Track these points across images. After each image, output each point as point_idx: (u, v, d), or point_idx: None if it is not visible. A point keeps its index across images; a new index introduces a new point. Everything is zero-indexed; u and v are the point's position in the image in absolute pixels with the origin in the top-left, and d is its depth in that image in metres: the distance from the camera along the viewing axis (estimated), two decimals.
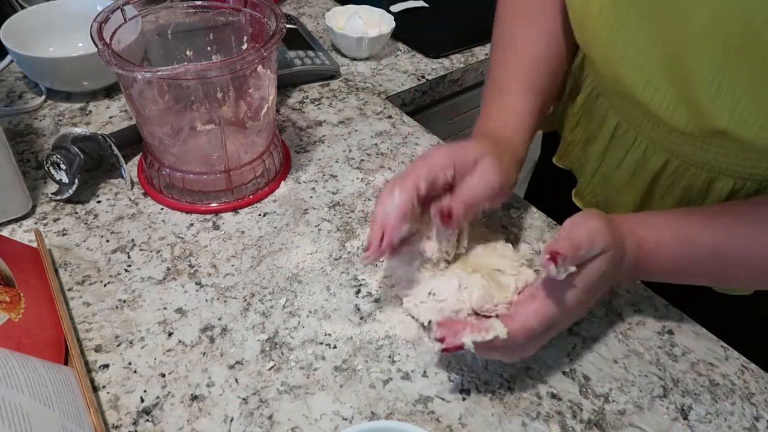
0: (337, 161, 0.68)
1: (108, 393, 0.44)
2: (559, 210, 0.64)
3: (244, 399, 0.44)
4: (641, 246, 0.46)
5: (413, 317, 0.50)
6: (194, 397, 0.44)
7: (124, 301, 0.51)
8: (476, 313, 0.45)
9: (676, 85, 0.46)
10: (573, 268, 0.40)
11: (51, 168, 0.58)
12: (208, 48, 0.63)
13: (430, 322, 0.47)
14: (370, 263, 0.49)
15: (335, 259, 0.56)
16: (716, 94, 0.43)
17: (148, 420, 0.43)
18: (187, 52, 0.63)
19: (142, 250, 0.55)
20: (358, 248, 0.57)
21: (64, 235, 0.56)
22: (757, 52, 0.40)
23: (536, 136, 0.60)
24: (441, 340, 0.42)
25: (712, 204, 0.53)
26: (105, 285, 0.52)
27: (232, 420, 0.43)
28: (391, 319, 0.50)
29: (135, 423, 0.42)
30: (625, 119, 0.56)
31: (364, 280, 0.54)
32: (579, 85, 0.64)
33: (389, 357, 0.48)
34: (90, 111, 0.72)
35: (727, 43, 0.41)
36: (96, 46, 0.50)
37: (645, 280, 0.55)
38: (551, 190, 0.69)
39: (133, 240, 0.56)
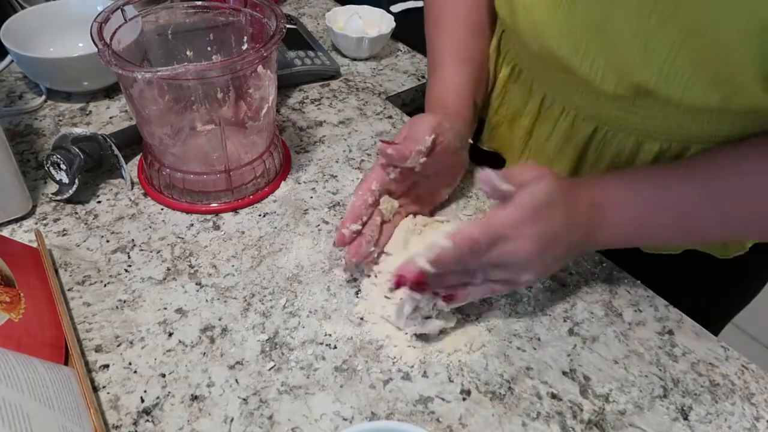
0: (337, 161, 0.68)
1: (108, 393, 0.44)
2: None
3: (244, 399, 0.44)
4: (596, 192, 0.48)
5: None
6: (194, 398, 0.44)
7: (125, 302, 0.51)
8: None
9: (605, 48, 0.47)
10: (508, 186, 0.44)
11: (51, 168, 0.58)
12: (209, 48, 0.63)
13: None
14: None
15: (335, 260, 0.55)
16: (644, 53, 0.45)
17: (148, 420, 0.43)
18: (188, 53, 0.63)
19: (142, 250, 0.55)
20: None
21: (64, 235, 0.56)
22: (679, 12, 0.41)
23: None
24: (398, 281, 0.44)
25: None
26: (105, 285, 0.52)
27: (232, 420, 0.43)
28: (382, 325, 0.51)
29: (135, 423, 0.42)
30: (550, 91, 0.57)
31: (364, 280, 0.54)
32: (496, 69, 0.65)
33: (389, 357, 0.48)
34: (90, 111, 0.72)
35: (651, 3, 0.42)
36: (96, 46, 0.50)
37: (608, 243, 0.53)
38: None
39: (133, 240, 0.56)
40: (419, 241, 0.54)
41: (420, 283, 0.44)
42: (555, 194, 0.45)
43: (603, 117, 0.54)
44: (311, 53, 0.82)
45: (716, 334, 0.53)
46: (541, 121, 0.60)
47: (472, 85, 0.61)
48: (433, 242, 0.44)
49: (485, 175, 0.44)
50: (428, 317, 0.48)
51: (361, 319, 0.50)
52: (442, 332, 0.49)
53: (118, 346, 0.47)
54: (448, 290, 0.47)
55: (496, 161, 0.69)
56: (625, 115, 0.52)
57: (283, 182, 0.64)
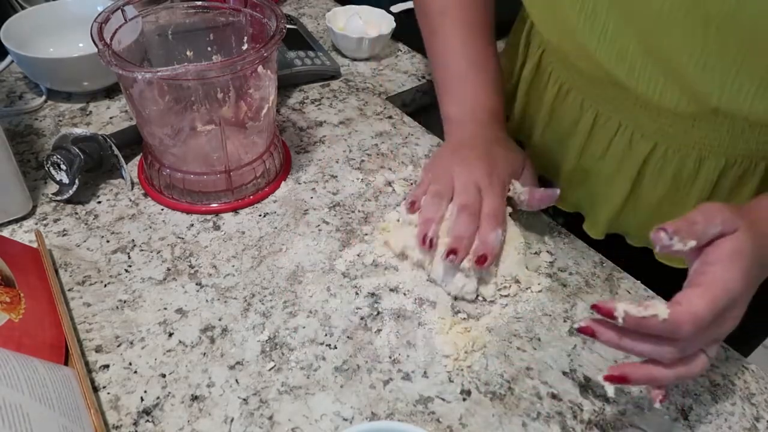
0: (337, 162, 0.68)
1: (108, 393, 0.44)
2: (539, 217, 0.64)
3: (244, 399, 0.44)
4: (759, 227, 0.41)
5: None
6: (194, 398, 0.44)
7: (125, 302, 0.51)
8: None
9: (661, 67, 0.46)
10: (693, 242, 0.37)
11: (51, 168, 0.58)
12: (209, 48, 0.63)
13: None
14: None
15: (335, 260, 0.55)
16: (703, 72, 0.43)
17: (148, 420, 0.43)
18: (188, 53, 0.63)
19: (142, 250, 0.55)
20: (358, 251, 0.57)
21: (64, 235, 0.56)
22: (739, 29, 0.39)
23: None
24: (593, 307, 0.37)
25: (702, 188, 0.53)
26: (105, 285, 0.52)
27: (232, 420, 0.43)
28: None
29: (135, 423, 0.42)
30: (604, 108, 0.56)
31: (364, 281, 0.54)
32: (540, 91, 0.63)
33: (390, 357, 0.48)
34: (90, 111, 0.72)
35: (708, 23, 0.40)
36: (96, 46, 0.50)
37: None
38: None
39: (133, 240, 0.56)
40: None
41: (608, 314, 0.37)
42: (749, 249, 0.39)
43: (663, 132, 0.52)
44: (311, 53, 0.82)
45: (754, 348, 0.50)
46: (593, 139, 0.58)
47: (499, 83, 0.62)
48: (653, 303, 0.37)
49: (660, 238, 0.37)
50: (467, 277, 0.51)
51: (362, 319, 0.50)
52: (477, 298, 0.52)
53: (119, 346, 0.47)
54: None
55: (540, 183, 0.67)
56: (688, 129, 0.50)
57: (283, 182, 0.64)
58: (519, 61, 0.66)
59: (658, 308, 0.36)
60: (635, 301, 0.37)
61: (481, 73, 0.61)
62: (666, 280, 0.55)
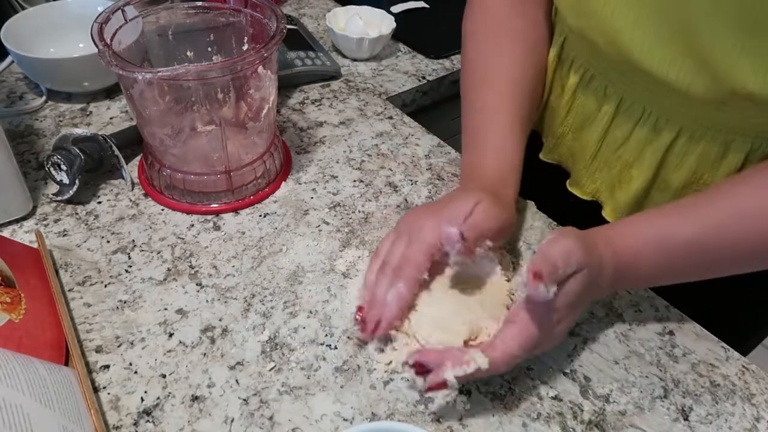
0: (337, 162, 0.68)
1: (109, 394, 0.44)
2: (554, 204, 0.63)
3: (244, 400, 0.44)
4: (620, 258, 0.45)
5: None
6: (195, 398, 0.44)
7: (125, 302, 0.51)
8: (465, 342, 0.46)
9: (693, 55, 0.46)
10: (554, 288, 0.40)
11: (52, 169, 0.58)
12: (209, 49, 0.63)
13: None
14: (363, 339, 0.49)
15: (335, 260, 0.55)
16: (738, 59, 0.43)
17: (148, 421, 0.43)
18: (188, 53, 0.63)
19: (142, 250, 0.55)
20: (358, 253, 0.57)
21: (64, 235, 0.56)
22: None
23: None
24: (419, 372, 0.41)
25: (696, 192, 0.51)
26: (105, 286, 0.52)
27: (232, 421, 0.43)
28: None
29: (136, 424, 0.42)
30: (629, 94, 0.55)
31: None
32: (562, 79, 0.62)
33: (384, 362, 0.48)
34: (91, 112, 0.72)
35: (745, 10, 0.40)
36: (96, 46, 0.50)
37: (629, 289, 0.54)
38: (541, 187, 0.67)
39: (133, 241, 0.56)
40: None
41: (441, 387, 0.41)
42: (587, 288, 0.43)
43: (689, 118, 0.51)
44: (312, 54, 0.82)
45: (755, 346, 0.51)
46: (616, 126, 0.57)
47: (523, 147, 0.58)
48: (471, 356, 0.41)
49: (534, 283, 0.39)
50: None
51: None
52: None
53: (119, 346, 0.47)
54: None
55: (557, 173, 0.67)
56: (715, 114, 0.49)
57: (283, 183, 0.64)
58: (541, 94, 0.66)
59: (479, 361, 0.41)
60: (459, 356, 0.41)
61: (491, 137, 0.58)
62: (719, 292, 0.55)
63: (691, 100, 0.49)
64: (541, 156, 0.69)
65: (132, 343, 0.47)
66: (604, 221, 0.61)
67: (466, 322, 0.46)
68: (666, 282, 0.50)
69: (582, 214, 0.61)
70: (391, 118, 0.75)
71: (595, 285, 0.44)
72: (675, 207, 0.47)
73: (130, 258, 0.54)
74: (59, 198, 0.59)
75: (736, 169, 0.52)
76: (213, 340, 0.48)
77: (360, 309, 0.48)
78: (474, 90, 0.60)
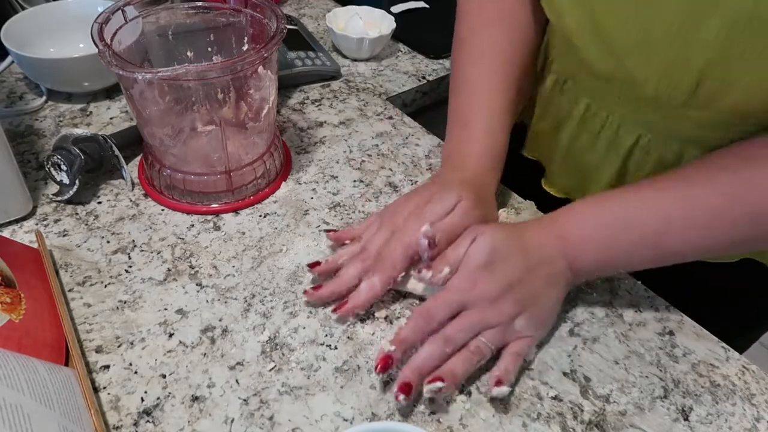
0: (337, 162, 0.68)
1: (109, 394, 0.44)
2: (532, 200, 0.64)
3: (244, 400, 0.44)
4: (569, 242, 0.48)
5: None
6: (195, 398, 0.44)
7: (125, 302, 0.51)
8: None
9: (682, 68, 0.46)
10: (447, 269, 0.46)
11: (52, 169, 0.58)
12: (209, 49, 0.63)
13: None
14: (310, 299, 0.51)
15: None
16: (725, 73, 0.44)
17: (148, 421, 0.43)
18: (188, 53, 0.63)
19: (142, 251, 0.55)
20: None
21: (64, 235, 0.56)
22: (763, 30, 0.40)
23: None
24: (379, 367, 0.44)
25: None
26: (106, 286, 0.52)
27: (232, 421, 0.43)
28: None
29: (136, 424, 0.42)
30: (594, 100, 0.57)
31: None
32: (541, 80, 0.64)
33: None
34: (91, 112, 0.72)
35: (736, 22, 0.41)
36: (97, 47, 0.50)
37: (591, 276, 0.53)
38: (520, 181, 0.68)
39: (133, 241, 0.56)
40: None
41: (388, 365, 0.44)
42: (498, 247, 0.46)
43: (648, 125, 0.54)
44: (312, 54, 0.82)
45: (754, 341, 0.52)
46: (583, 130, 0.60)
47: (509, 130, 0.59)
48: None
49: (423, 276, 0.47)
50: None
51: (362, 320, 0.50)
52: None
53: (119, 346, 0.47)
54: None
55: (537, 170, 0.69)
56: (669, 123, 0.52)
57: (283, 183, 0.64)
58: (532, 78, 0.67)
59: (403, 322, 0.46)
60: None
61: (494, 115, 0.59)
62: (666, 280, 0.56)
63: (650, 106, 0.52)
64: (523, 152, 0.71)
65: (132, 344, 0.47)
66: None
67: None
68: (625, 266, 0.51)
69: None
70: (391, 118, 0.75)
71: (522, 251, 0.47)
72: (621, 188, 0.50)
73: (130, 258, 0.54)
74: (59, 198, 0.59)
75: None
76: (213, 341, 0.48)
77: (315, 265, 0.50)
78: (463, 68, 0.61)
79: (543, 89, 0.64)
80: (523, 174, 0.70)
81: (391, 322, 0.50)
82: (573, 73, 0.59)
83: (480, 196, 0.52)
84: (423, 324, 0.45)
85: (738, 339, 0.55)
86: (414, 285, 0.51)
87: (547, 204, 0.63)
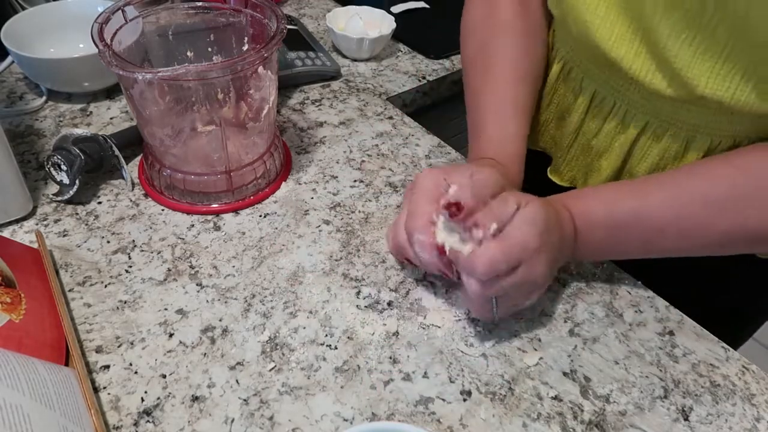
0: (337, 162, 0.68)
1: (109, 394, 0.44)
2: (537, 191, 0.64)
3: (244, 400, 0.44)
4: (576, 216, 0.49)
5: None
6: (195, 398, 0.44)
7: (125, 302, 0.51)
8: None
9: (653, 53, 0.48)
10: (494, 225, 0.43)
11: (52, 169, 0.58)
12: (209, 49, 0.63)
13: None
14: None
15: (336, 260, 0.56)
16: (692, 59, 0.46)
17: (149, 421, 0.43)
18: (188, 53, 0.63)
19: (142, 251, 0.55)
20: (358, 250, 0.57)
21: (64, 236, 0.56)
22: (728, 16, 0.42)
23: None
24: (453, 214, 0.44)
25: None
26: (106, 286, 0.52)
27: (232, 421, 0.43)
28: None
29: (136, 424, 0.42)
30: (602, 87, 0.57)
31: (364, 281, 0.54)
32: (549, 67, 0.64)
33: (390, 358, 0.48)
34: (91, 112, 0.72)
35: (701, 10, 0.43)
36: (97, 47, 0.50)
37: (593, 258, 0.56)
38: (526, 172, 0.69)
39: (133, 241, 0.56)
40: None
41: (442, 252, 0.45)
42: (549, 217, 0.46)
43: (654, 113, 0.54)
44: (312, 54, 0.82)
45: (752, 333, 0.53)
46: (590, 117, 0.60)
47: (525, 134, 0.60)
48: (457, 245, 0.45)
49: (474, 235, 0.44)
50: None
51: (362, 320, 0.50)
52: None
53: (119, 346, 0.47)
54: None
55: (542, 160, 0.69)
56: (677, 111, 0.52)
57: (283, 183, 0.64)
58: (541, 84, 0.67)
59: (464, 249, 0.44)
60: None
61: (509, 114, 0.60)
62: (666, 280, 0.56)
63: (656, 96, 0.52)
64: (528, 145, 0.70)
65: (132, 344, 0.47)
66: None
67: None
68: (624, 254, 0.53)
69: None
70: (391, 118, 0.75)
71: (559, 230, 0.47)
72: (630, 181, 0.52)
73: (130, 258, 0.54)
74: (59, 198, 0.59)
75: None
76: (213, 341, 0.48)
77: (458, 206, 0.46)
78: (475, 79, 0.62)
79: (548, 78, 0.64)
80: (528, 166, 0.69)
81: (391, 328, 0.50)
82: (578, 61, 0.59)
83: (506, 177, 0.52)
84: (489, 272, 0.43)
85: (736, 330, 0.56)
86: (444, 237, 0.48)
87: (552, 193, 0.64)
